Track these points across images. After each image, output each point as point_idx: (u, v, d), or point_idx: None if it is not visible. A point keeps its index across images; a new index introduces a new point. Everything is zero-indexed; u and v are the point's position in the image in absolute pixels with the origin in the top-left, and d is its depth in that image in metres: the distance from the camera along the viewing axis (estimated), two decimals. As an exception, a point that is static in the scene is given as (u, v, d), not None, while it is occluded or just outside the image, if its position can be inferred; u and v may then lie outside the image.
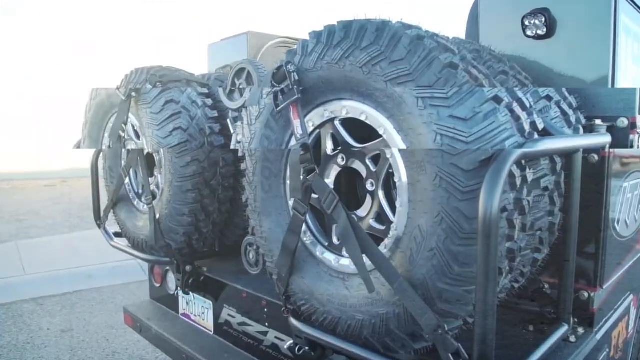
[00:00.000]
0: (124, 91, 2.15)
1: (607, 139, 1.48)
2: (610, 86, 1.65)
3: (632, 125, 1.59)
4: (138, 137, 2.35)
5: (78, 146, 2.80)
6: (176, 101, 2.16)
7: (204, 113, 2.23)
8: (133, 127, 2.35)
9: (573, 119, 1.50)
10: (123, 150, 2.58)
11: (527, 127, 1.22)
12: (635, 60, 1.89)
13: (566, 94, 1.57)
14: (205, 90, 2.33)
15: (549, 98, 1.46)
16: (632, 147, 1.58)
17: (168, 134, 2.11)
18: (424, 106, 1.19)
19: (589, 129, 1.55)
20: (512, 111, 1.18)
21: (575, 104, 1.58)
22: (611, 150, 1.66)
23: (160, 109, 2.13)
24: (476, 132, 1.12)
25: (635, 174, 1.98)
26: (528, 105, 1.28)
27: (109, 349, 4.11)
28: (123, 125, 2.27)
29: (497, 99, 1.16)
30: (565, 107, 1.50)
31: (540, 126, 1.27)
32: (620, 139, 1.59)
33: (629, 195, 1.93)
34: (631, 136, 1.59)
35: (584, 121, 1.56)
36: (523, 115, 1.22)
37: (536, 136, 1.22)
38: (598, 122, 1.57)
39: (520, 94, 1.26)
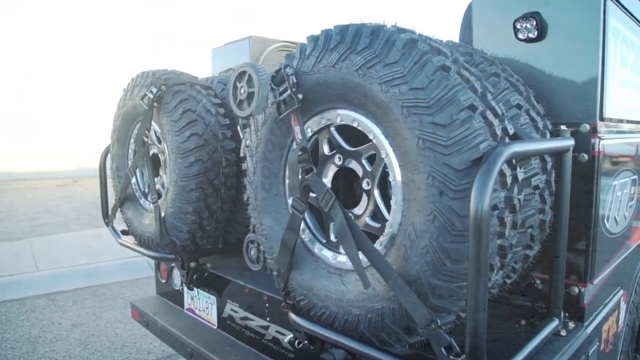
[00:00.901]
0: (147, 102, 2.34)
1: (571, 142, 1.55)
2: (599, 88, 1.70)
3: (594, 130, 1.68)
4: (160, 141, 2.51)
5: (107, 151, 2.94)
6: (193, 110, 2.33)
7: (217, 120, 2.41)
8: (155, 133, 2.51)
9: (540, 125, 1.58)
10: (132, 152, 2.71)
11: (499, 132, 1.27)
12: (623, 63, 1.91)
13: (534, 102, 1.64)
14: (219, 101, 2.51)
15: (519, 106, 1.53)
16: (593, 149, 1.68)
17: (186, 139, 2.28)
18: (408, 114, 1.25)
19: (555, 134, 1.63)
20: (485, 118, 1.25)
21: (543, 112, 1.66)
22: (600, 149, 1.71)
23: (179, 117, 2.31)
24: (454, 137, 1.19)
25: (625, 173, 2.01)
26: (500, 113, 1.34)
27: (117, 342, 4.19)
28: (146, 132, 2.46)
29: (472, 107, 1.21)
30: (533, 114, 1.58)
31: (511, 131, 1.34)
32: (583, 142, 1.68)
33: (619, 194, 1.96)
34: (592, 140, 1.68)
35: (550, 127, 1.65)
36: (495, 122, 1.28)
37: (507, 140, 1.28)
38: (563, 127, 1.66)
39: (493, 103, 1.33)
